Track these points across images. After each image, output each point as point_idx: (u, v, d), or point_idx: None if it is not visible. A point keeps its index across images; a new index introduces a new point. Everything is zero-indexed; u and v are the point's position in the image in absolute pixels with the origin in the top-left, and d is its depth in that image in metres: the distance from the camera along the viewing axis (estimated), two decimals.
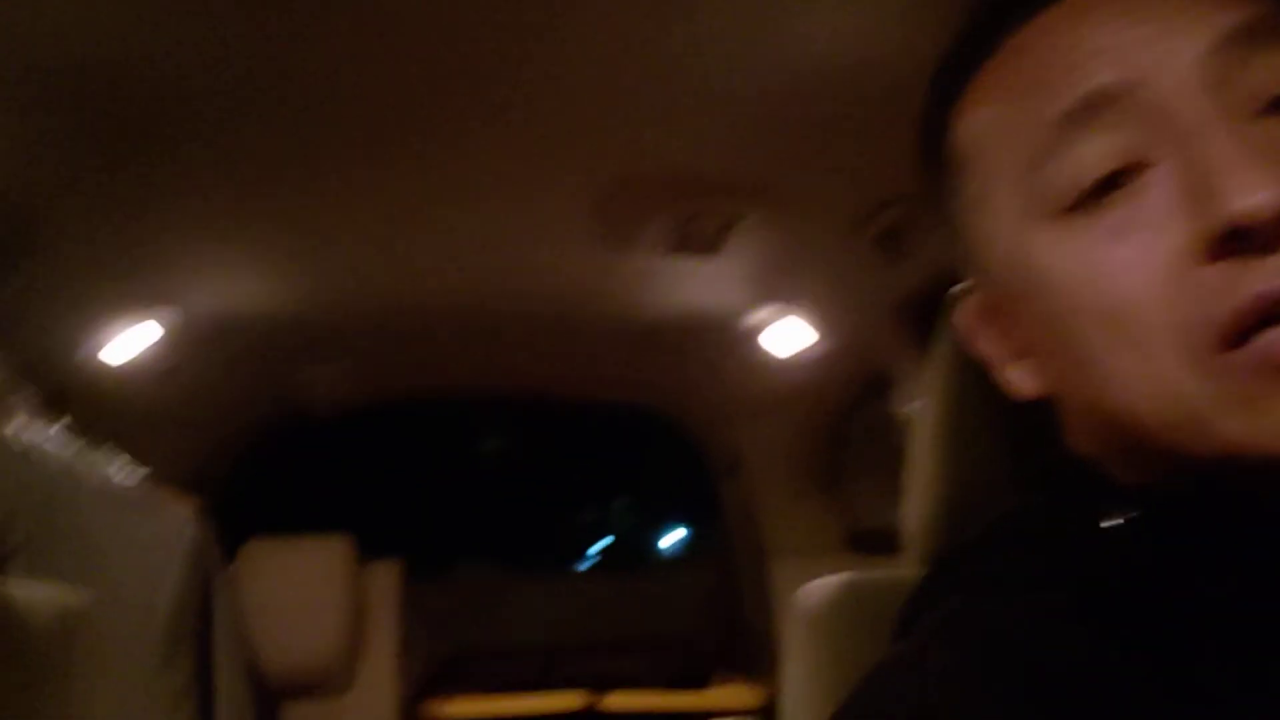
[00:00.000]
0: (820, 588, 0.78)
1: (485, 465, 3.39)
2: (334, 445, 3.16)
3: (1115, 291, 0.46)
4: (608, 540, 4.07)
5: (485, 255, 2.04)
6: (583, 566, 3.64)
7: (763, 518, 2.78)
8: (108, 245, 1.72)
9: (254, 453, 2.77)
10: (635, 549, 4.01)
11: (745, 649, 2.89)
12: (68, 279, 1.75)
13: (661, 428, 3.11)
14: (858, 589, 0.75)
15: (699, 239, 1.90)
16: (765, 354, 2.42)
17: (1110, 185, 0.47)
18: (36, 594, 0.63)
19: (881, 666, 0.50)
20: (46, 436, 1.35)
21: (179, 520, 1.25)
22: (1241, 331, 0.43)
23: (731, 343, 2.41)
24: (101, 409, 2.18)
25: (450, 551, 3.31)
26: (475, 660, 2.86)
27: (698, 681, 2.76)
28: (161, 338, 2.09)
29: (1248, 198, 0.42)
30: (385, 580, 2.54)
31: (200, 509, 1.45)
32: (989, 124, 0.53)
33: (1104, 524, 0.49)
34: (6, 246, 1.49)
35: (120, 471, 1.37)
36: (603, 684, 2.74)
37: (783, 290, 2.18)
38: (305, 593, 2.37)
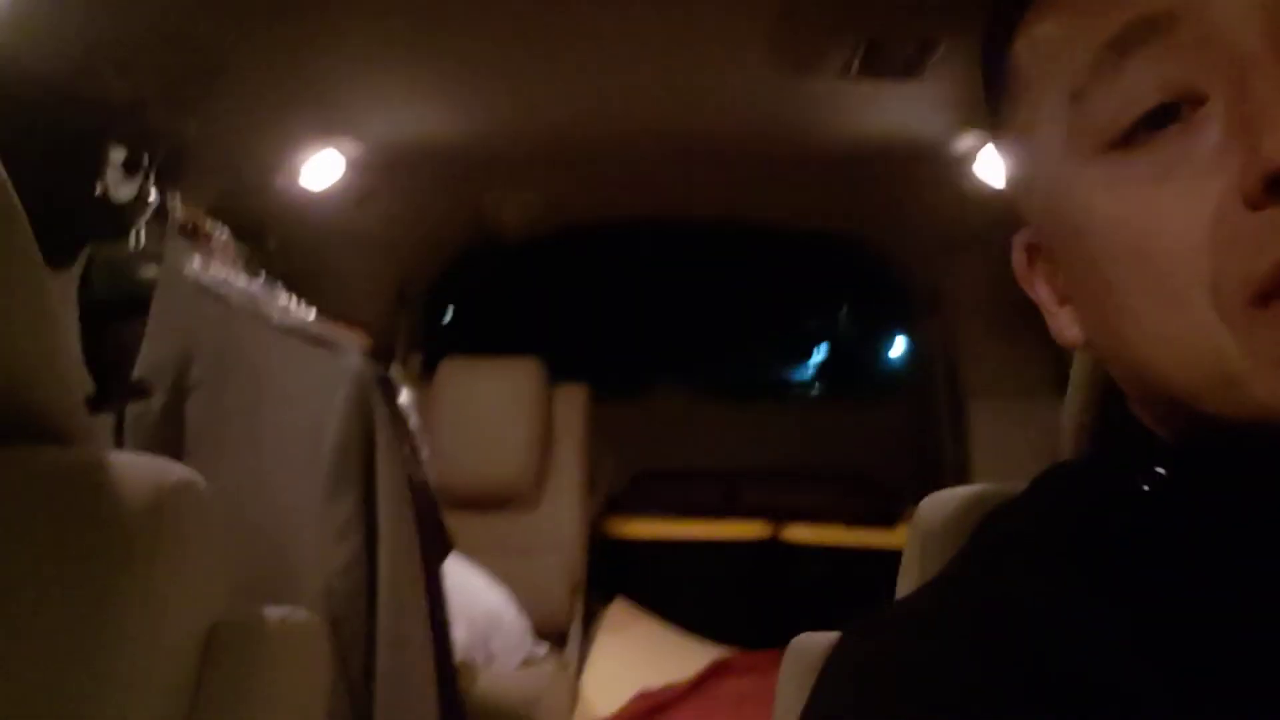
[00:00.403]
0: (943, 501, 0.70)
1: (679, 291, 3.36)
2: (527, 269, 3.22)
3: (1153, 237, 0.43)
4: (803, 370, 4.01)
5: (671, 81, 1.95)
6: (777, 396, 3.59)
7: (963, 355, 2.65)
8: (293, 79, 1.74)
9: (451, 276, 2.86)
10: (830, 381, 3.93)
11: (937, 489, 2.81)
12: (257, 112, 1.79)
13: (863, 258, 2.99)
14: (987, 503, 0.66)
15: (894, 62, 1.72)
16: (972, 183, 2.23)
17: (1158, 121, 0.43)
18: (138, 466, 0.64)
19: (880, 623, 0.50)
20: (226, 275, 1.41)
21: (344, 361, 1.28)
22: (1278, 289, 0.40)
23: (936, 171, 2.24)
24: (303, 236, 2.29)
25: (645, 374, 3.36)
26: (660, 482, 2.93)
27: (885, 519, 2.72)
28: (354, 166, 2.14)
29: None
30: (573, 402, 2.60)
31: (369, 347, 1.49)
32: (1041, 47, 0.49)
33: (1139, 485, 0.47)
34: (193, 82, 1.53)
35: (294, 310, 1.42)
36: (786, 515, 2.74)
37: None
38: (497, 411, 2.48)
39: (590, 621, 2.53)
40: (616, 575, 2.70)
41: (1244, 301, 0.41)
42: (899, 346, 3.67)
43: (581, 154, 2.33)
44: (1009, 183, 0.55)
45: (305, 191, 2.14)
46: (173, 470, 0.68)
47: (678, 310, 3.44)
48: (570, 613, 2.43)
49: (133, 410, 1.20)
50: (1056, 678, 0.43)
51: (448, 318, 3.07)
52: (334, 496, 1.23)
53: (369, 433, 1.27)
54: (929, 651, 0.45)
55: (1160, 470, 0.47)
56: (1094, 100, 0.45)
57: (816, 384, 4.00)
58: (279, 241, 2.18)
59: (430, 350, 2.85)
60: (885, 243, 2.77)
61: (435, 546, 1.48)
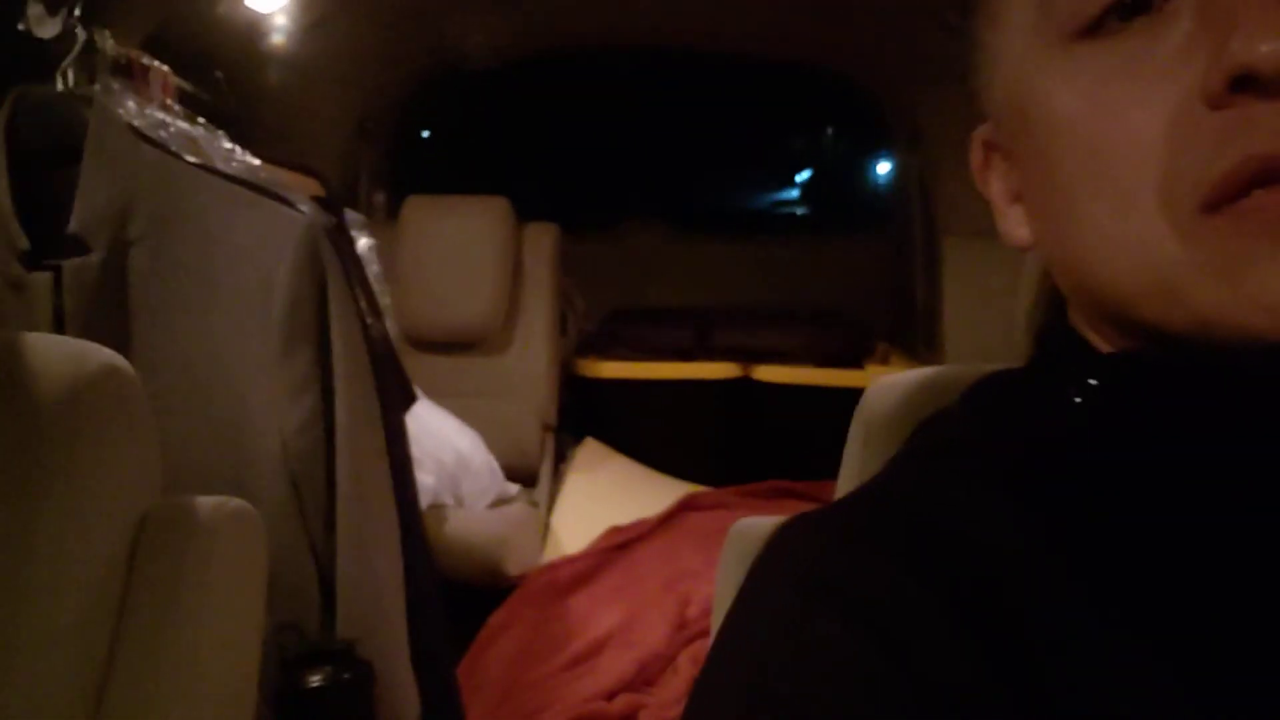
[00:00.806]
0: (888, 387, 0.68)
1: (653, 122, 3.24)
2: (494, 100, 3.09)
3: (1106, 134, 0.42)
4: (779, 202, 3.93)
5: None
6: (753, 230, 3.53)
7: (939, 191, 2.60)
8: None
9: (414, 108, 2.74)
10: (807, 215, 3.86)
11: (909, 329, 2.82)
12: None
13: (842, 91, 2.88)
14: (935, 389, 0.64)
15: None
16: (958, 13, 2.13)
17: (1127, 12, 0.41)
18: (57, 351, 0.61)
19: (816, 519, 0.49)
20: (164, 117, 1.33)
21: (293, 212, 1.23)
22: (1230, 195, 0.39)
23: None
24: (251, 66, 2.17)
25: (618, 209, 3.29)
26: (631, 322, 2.91)
27: (854, 360, 2.73)
28: None
29: (1271, 41, 0.37)
30: (543, 241, 2.55)
31: (320, 194, 1.43)
32: None
33: (1070, 396, 0.46)
34: None
35: (240, 156, 1.35)
36: (757, 355, 2.74)
37: None
38: (464, 251, 2.43)
39: (561, 461, 2.56)
40: (587, 415, 2.72)
41: (1194, 206, 0.39)
42: (876, 181, 3.60)
43: None
44: (972, 74, 0.52)
45: (252, 15, 2.02)
46: (94, 354, 0.65)
47: (652, 142, 3.33)
48: (541, 453, 2.46)
49: (71, 267, 1.15)
50: (983, 601, 0.42)
51: (412, 151, 2.96)
52: (287, 354, 1.20)
53: (321, 287, 1.23)
54: (858, 565, 0.44)
55: (1091, 382, 0.46)
56: None
57: (793, 217, 3.94)
58: (226, 73, 2.08)
59: (395, 187, 2.77)
60: (863, 73, 2.67)
61: (395, 397, 1.47)
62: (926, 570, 0.43)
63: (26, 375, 0.59)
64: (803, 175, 3.98)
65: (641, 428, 2.70)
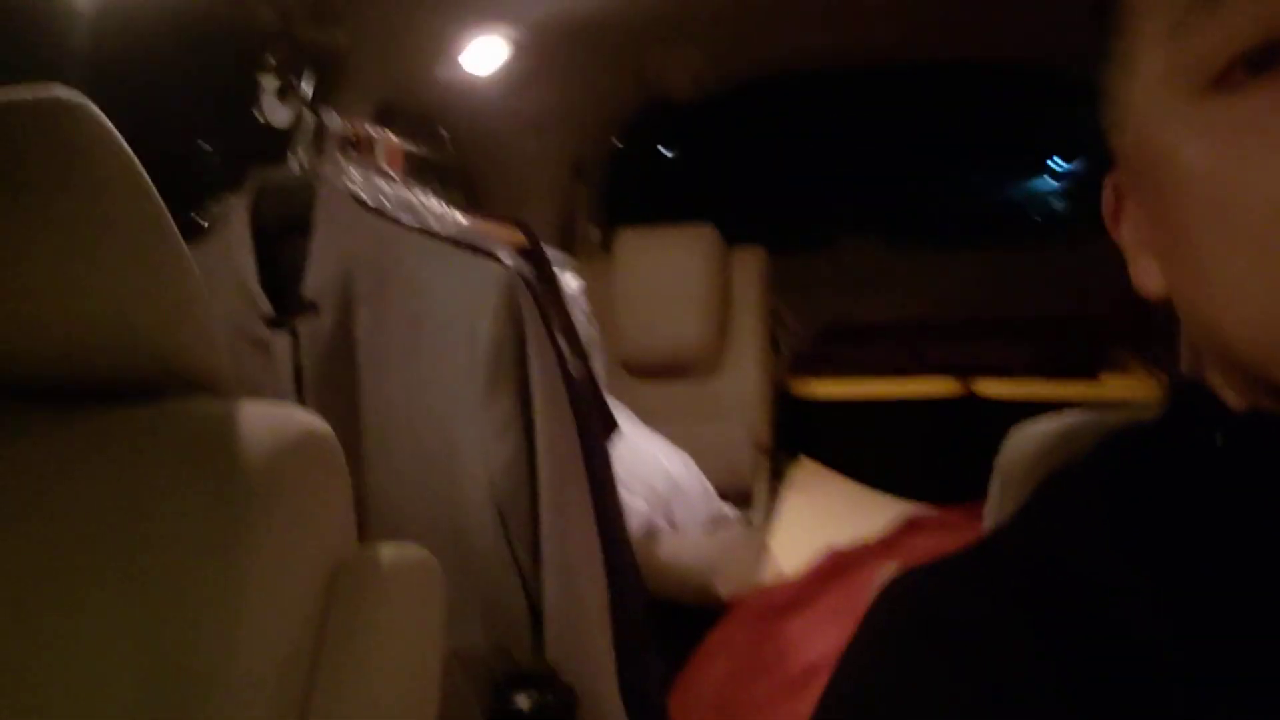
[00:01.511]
0: (1029, 435, 0.67)
1: (861, 137, 3.21)
2: (699, 130, 3.16)
3: (1238, 192, 0.41)
4: (998, 211, 3.77)
5: None
6: (971, 241, 3.41)
7: None
8: None
9: (625, 146, 2.85)
10: (1029, 223, 3.68)
11: (1145, 334, 2.63)
12: (410, 10, 1.82)
13: (1066, 89, 2.74)
14: (1074, 437, 0.63)
15: None
16: None
17: (1258, 64, 0.40)
18: (263, 416, 0.71)
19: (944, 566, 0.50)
20: (383, 185, 1.47)
21: (494, 265, 1.33)
22: None
23: None
24: (474, 123, 2.34)
25: (830, 226, 3.27)
26: (845, 339, 2.89)
27: (1086, 370, 2.58)
28: (516, 48, 2.15)
29: None
30: (751, 265, 2.59)
31: (523, 245, 1.53)
32: None
33: (1195, 454, 0.46)
34: None
35: (447, 214, 1.47)
36: (978, 369, 2.65)
37: None
38: (674, 280, 2.50)
39: (777, 481, 2.58)
40: (802, 434, 2.72)
41: None
42: (1086, 195, 3.38)
43: (740, 5, 2.24)
44: (1104, 119, 0.52)
45: (470, 78, 2.18)
46: (296, 420, 0.74)
47: (865, 155, 3.29)
48: (756, 474, 2.49)
49: (306, 327, 1.30)
50: (1094, 657, 0.43)
51: (623, 184, 3.08)
52: (491, 397, 1.29)
53: (520, 333, 1.32)
54: (964, 607, 0.46)
55: (1218, 440, 0.45)
56: (1191, 34, 0.43)
57: (1025, 220, 3.76)
58: (449, 130, 2.26)
59: (608, 221, 2.89)
60: (1085, 71, 2.53)
61: (597, 430, 1.54)
62: (1041, 617, 0.44)
63: (236, 439, 0.69)
64: (1060, 166, 3.76)
65: (858, 446, 2.67)
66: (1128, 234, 0.52)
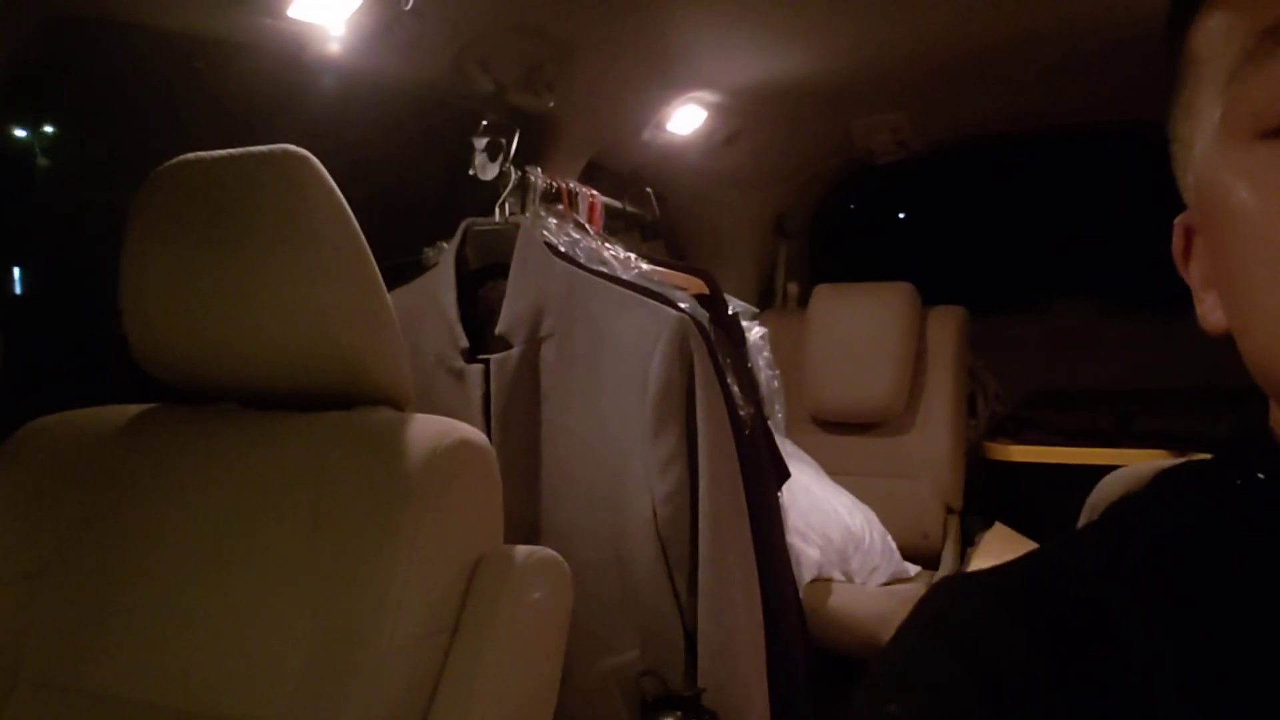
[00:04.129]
0: (1124, 477, 0.68)
1: (1070, 200, 3.10)
2: (902, 191, 3.16)
3: None
4: None
5: None
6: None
7: None
8: (641, 46, 1.89)
9: (827, 203, 2.91)
10: None
11: None
12: (614, 81, 1.97)
13: None
14: (1161, 483, 0.64)
15: None
16: None
17: None
18: (428, 427, 0.83)
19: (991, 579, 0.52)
20: (576, 235, 1.61)
21: (668, 309, 1.42)
22: None
23: None
24: (678, 181, 2.47)
25: (1040, 288, 3.18)
26: (1049, 404, 2.79)
27: None
28: (716, 112, 2.26)
29: None
30: (948, 323, 2.57)
31: (702, 292, 1.62)
32: (1215, 29, 0.49)
33: (1241, 488, 0.47)
34: (547, 66, 1.73)
35: (632, 262, 1.59)
36: (1189, 443, 2.49)
37: None
38: (868, 335, 2.52)
39: (968, 546, 2.52)
40: (998, 499, 2.65)
41: None
42: None
43: (943, 69, 2.26)
44: (1172, 163, 0.55)
45: (674, 139, 2.31)
46: (455, 430, 0.85)
47: (1076, 217, 3.19)
48: (944, 535, 2.45)
49: (497, 359, 1.44)
50: (1100, 670, 0.45)
51: (825, 242, 3.13)
52: (658, 433, 1.38)
53: (689, 374, 1.41)
54: (990, 622, 0.48)
55: (1260, 475, 0.47)
56: (1248, 85, 0.45)
57: None
58: (656, 188, 2.39)
59: (808, 277, 2.94)
60: None
61: (766, 474, 1.60)
62: (1051, 634, 0.46)
63: (405, 444, 0.81)
64: None
65: (1056, 515, 2.55)
66: (1195, 271, 0.53)
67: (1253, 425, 0.52)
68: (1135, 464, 0.71)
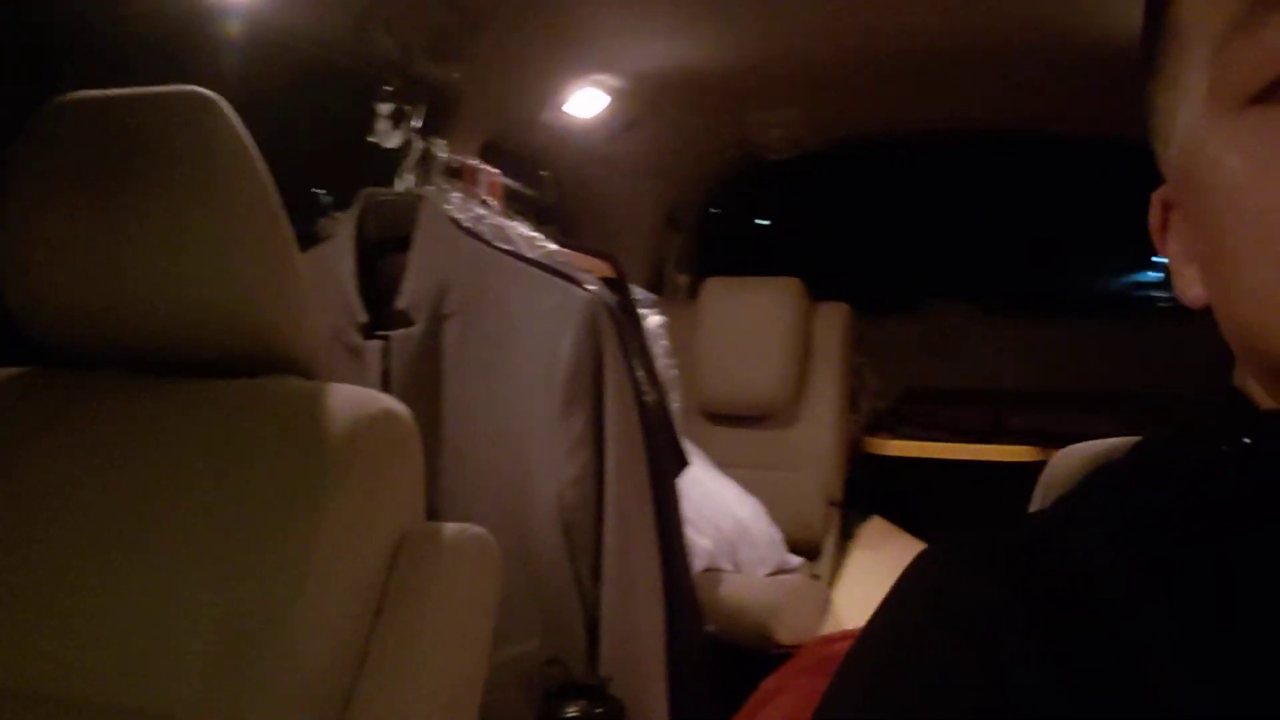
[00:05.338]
0: (1076, 454, 0.69)
1: (954, 202, 3.21)
2: (793, 187, 3.20)
3: (1276, 199, 0.42)
4: (1092, 289, 3.72)
5: None
6: (1062, 310, 3.37)
7: None
8: (550, 23, 1.84)
9: (718, 197, 2.92)
10: (1117, 295, 3.62)
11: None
12: (519, 57, 1.92)
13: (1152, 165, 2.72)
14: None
15: None
16: None
17: None
18: (348, 397, 0.78)
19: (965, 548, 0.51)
20: (481, 211, 1.56)
21: (579, 290, 1.39)
22: None
23: None
24: (574, 165, 2.43)
25: (918, 289, 3.28)
26: (926, 401, 2.88)
27: None
28: (617, 97, 2.24)
29: None
30: (834, 320, 2.61)
31: (609, 274, 1.59)
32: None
33: (1224, 455, 0.47)
34: (455, 35, 1.66)
35: (539, 242, 1.55)
36: (1059, 440, 2.61)
37: None
38: (757, 329, 2.54)
39: (847, 538, 2.57)
40: (876, 493, 2.71)
41: None
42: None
43: (842, 68, 2.29)
44: (1151, 136, 0.54)
45: (573, 122, 2.27)
46: (376, 401, 0.80)
47: (956, 222, 3.30)
48: (825, 527, 2.49)
49: (398, 336, 1.38)
50: (1090, 633, 0.44)
51: (715, 236, 3.15)
52: (566, 417, 1.35)
53: (598, 358, 1.38)
54: (977, 588, 0.47)
55: (1246, 440, 0.46)
56: (1236, 52, 0.44)
57: (1108, 295, 3.72)
58: (551, 172, 2.35)
59: (698, 270, 2.95)
60: None
61: (667, 462, 1.58)
62: (1040, 600, 0.45)
63: (323, 414, 0.75)
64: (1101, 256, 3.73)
65: (932, 508, 2.64)
66: (1173, 246, 0.53)
67: (1223, 388, 0.52)
68: (1083, 444, 0.72)
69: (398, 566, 0.75)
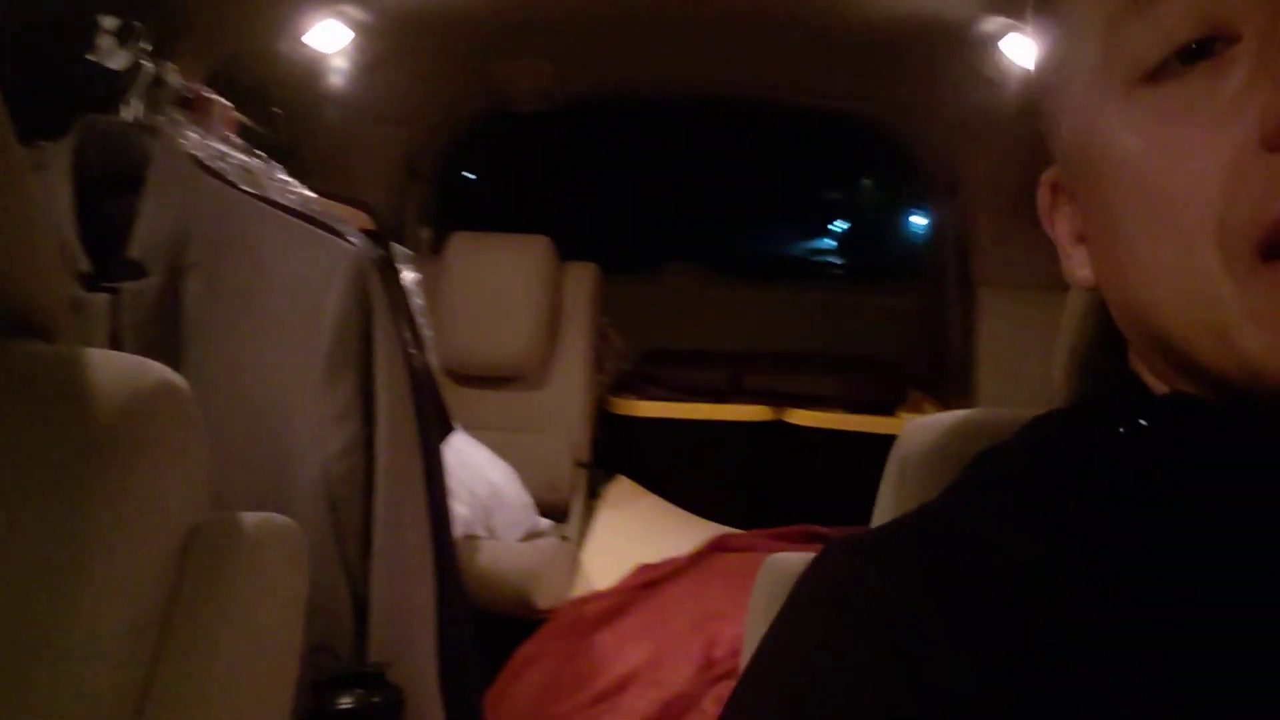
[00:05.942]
0: (925, 427, 0.69)
1: (695, 167, 3.29)
2: (540, 143, 3.15)
3: (1166, 176, 0.42)
4: (818, 249, 3.97)
5: None
6: (791, 276, 3.56)
7: (976, 243, 2.61)
8: None
9: (462, 149, 2.80)
10: (846, 262, 3.89)
11: (943, 377, 2.82)
12: None
13: (883, 140, 2.91)
14: (969, 431, 0.66)
15: None
16: (997, 68, 2.15)
17: (1189, 57, 0.42)
18: (116, 366, 0.64)
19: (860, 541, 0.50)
20: (224, 149, 1.38)
21: (343, 243, 1.26)
22: None
23: (962, 53, 2.16)
24: (309, 104, 2.24)
25: (658, 252, 3.34)
26: (667, 362, 2.94)
27: (886, 407, 2.73)
28: (362, 31, 2.08)
29: None
30: (583, 280, 2.59)
31: (369, 226, 1.47)
32: None
33: (1120, 435, 0.47)
34: None
35: (293, 188, 1.40)
36: (790, 399, 2.75)
37: None
38: (506, 288, 2.47)
39: (593, 498, 2.58)
40: (620, 453, 2.74)
41: (1249, 250, 0.40)
42: (912, 231, 3.62)
43: (593, 21, 2.25)
44: (1041, 116, 0.53)
45: (311, 56, 2.08)
46: (152, 371, 0.67)
47: (694, 187, 3.38)
48: (573, 489, 2.48)
49: (129, 289, 1.19)
50: (1001, 624, 0.43)
51: (459, 189, 3.04)
52: (332, 380, 1.23)
53: (367, 317, 1.26)
54: (883, 585, 0.46)
55: (1142, 421, 0.47)
56: (1128, 30, 0.44)
57: (832, 264, 3.97)
58: (284, 109, 2.14)
59: (441, 224, 2.83)
60: (906, 125, 2.70)
61: (434, 428, 1.49)
62: (948, 593, 0.44)
63: (85, 388, 0.62)
64: (839, 225, 4.01)
65: (674, 467, 2.71)
66: (1060, 227, 0.53)
67: (1110, 370, 0.53)
68: (929, 417, 0.72)
69: (190, 566, 0.63)
